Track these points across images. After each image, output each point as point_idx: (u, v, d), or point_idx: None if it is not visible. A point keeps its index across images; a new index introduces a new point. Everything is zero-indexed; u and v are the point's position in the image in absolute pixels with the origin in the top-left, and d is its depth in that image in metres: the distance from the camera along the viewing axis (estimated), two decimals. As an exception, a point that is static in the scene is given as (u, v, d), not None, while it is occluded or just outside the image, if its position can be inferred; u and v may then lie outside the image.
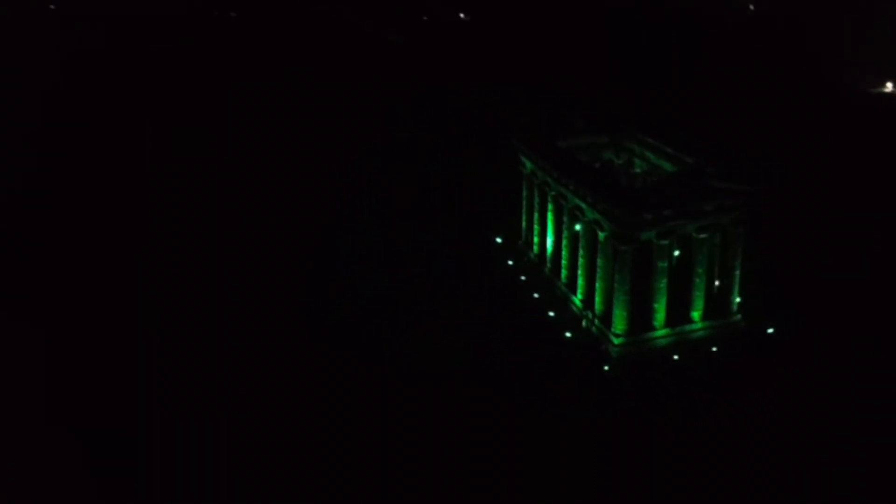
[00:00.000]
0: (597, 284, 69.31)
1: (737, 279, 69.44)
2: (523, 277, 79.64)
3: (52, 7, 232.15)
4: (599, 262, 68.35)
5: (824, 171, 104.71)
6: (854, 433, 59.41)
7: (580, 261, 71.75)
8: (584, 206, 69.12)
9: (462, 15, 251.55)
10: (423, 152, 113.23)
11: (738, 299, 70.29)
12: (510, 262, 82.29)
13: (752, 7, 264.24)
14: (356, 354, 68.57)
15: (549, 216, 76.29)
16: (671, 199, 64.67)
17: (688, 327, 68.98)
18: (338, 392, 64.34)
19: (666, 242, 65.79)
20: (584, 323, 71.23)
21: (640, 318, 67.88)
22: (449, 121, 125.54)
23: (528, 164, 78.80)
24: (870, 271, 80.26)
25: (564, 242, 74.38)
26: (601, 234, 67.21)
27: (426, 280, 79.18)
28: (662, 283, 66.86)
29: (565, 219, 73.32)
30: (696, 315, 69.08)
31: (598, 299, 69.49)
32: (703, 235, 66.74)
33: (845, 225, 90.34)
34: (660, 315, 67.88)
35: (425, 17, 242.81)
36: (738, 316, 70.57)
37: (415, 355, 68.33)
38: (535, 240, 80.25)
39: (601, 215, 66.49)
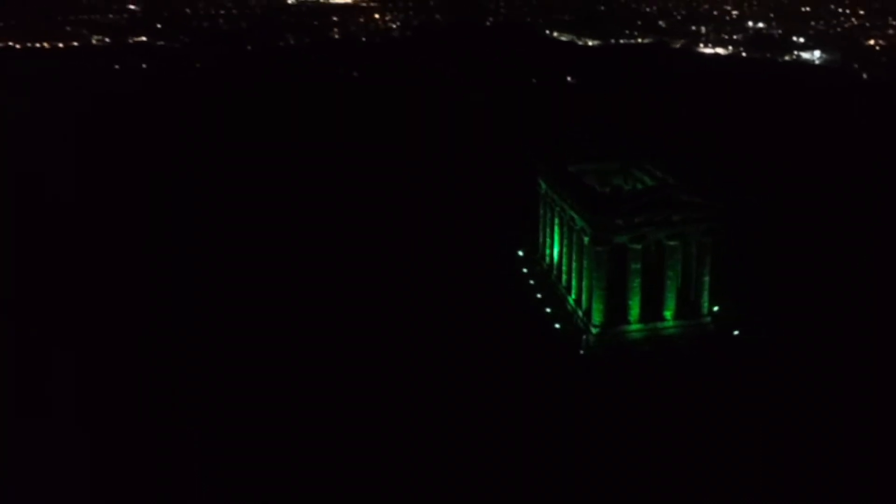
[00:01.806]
0: (583, 284, 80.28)
1: (706, 284, 78.91)
2: (532, 282, 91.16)
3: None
4: (585, 264, 79.39)
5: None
6: (808, 429, 66.03)
7: (574, 265, 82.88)
8: (575, 216, 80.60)
9: (569, 78, 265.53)
10: (469, 178, 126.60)
11: (707, 302, 79.47)
12: (525, 270, 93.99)
13: (865, 76, 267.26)
14: (365, 349, 77.42)
15: (556, 228, 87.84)
16: (641, 208, 75.54)
17: (660, 324, 78.67)
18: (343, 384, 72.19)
19: (638, 246, 76.30)
20: (575, 319, 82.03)
21: (617, 313, 78.22)
22: (497, 152, 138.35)
23: (543, 185, 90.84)
24: (841, 281, 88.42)
25: (564, 250, 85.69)
26: (586, 240, 78.43)
27: (447, 284, 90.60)
28: (636, 283, 77.18)
29: (565, 229, 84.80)
30: (668, 314, 78.76)
31: (583, 296, 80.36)
32: (672, 243, 76.90)
33: (819, 237, 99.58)
34: (634, 311, 78.02)
35: (534, 80, 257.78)
36: (708, 318, 79.76)
37: (419, 346, 77.99)
38: (547, 251, 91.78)
39: (585, 222, 77.88)
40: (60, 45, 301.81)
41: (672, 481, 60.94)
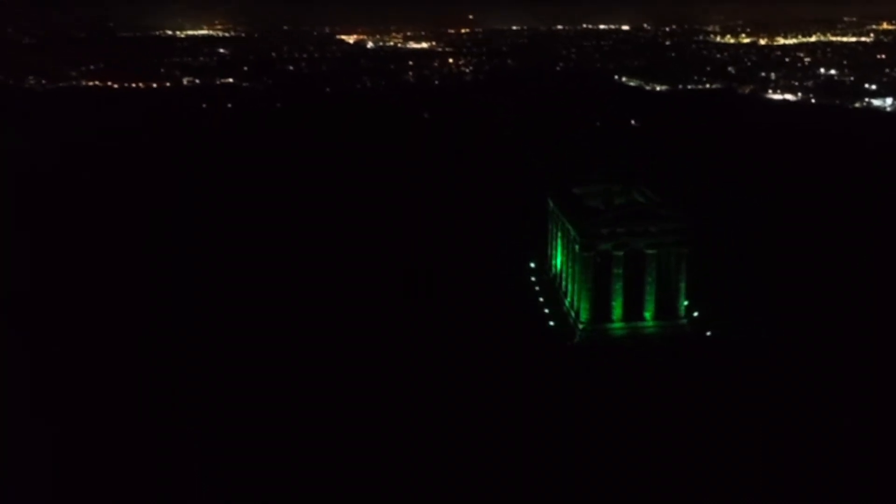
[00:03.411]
0: (574, 287, 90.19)
1: (682, 289, 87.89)
2: (538, 287, 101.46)
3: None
4: (576, 268, 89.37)
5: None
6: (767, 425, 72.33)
7: (569, 271, 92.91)
8: (570, 227, 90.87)
9: (633, 122, 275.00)
10: (501, 201, 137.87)
11: (683, 305, 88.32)
12: (532, 279, 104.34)
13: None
14: (368, 343, 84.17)
15: (558, 240, 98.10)
16: (623, 220, 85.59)
17: (640, 324, 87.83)
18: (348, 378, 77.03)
19: (620, 253, 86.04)
20: (568, 318, 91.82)
21: (602, 313, 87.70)
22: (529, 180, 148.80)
23: (551, 203, 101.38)
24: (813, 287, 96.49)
25: (563, 259, 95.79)
26: (577, 247, 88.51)
27: (463, 288, 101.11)
28: (618, 286, 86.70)
29: (564, 240, 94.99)
30: (647, 315, 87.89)
31: (575, 298, 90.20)
32: (651, 251, 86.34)
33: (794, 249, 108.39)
34: (617, 311, 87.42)
35: (598, 123, 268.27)
36: (685, 320, 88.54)
37: (422, 343, 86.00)
38: (552, 261, 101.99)
39: (576, 232, 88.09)
40: (154, 84, 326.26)
41: (647, 459, 67.11)
